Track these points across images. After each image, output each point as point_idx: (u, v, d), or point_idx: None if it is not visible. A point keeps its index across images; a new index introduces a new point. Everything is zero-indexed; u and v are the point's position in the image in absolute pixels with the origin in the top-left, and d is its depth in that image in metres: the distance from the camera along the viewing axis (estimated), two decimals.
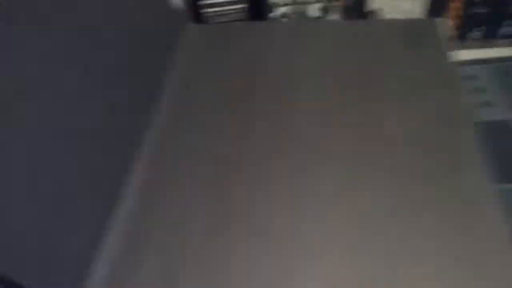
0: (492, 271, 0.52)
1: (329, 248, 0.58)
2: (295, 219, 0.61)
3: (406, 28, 0.59)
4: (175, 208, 0.65)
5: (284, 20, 1.16)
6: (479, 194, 0.58)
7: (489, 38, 1.25)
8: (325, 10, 1.22)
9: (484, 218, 0.57)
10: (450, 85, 0.58)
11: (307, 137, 0.68)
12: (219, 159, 0.69)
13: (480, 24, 1.24)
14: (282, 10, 1.17)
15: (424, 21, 0.54)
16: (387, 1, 1.23)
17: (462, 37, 1.26)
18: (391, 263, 0.54)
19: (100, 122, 0.65)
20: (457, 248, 0.54)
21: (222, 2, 1.00)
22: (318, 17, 1.22)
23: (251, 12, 1.11)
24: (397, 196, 0.60)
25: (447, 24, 0.61)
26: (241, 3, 1.03)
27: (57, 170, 0.57)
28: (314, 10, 1.21)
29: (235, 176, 0.66)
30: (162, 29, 0.81)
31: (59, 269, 0.53)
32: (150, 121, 0.75)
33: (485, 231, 0.55)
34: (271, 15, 1.13)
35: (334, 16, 1.26)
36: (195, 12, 1.05)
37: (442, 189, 0.59)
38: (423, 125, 0.64)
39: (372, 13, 1.24)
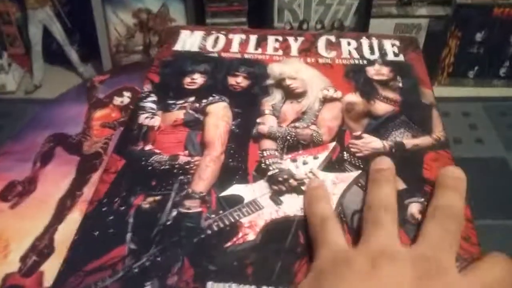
0: None
1: None
2: None
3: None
4: None
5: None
6: None
7: (484, 77, 1.26)
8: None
9: None
10: None
11: None
12: None
13: (476, 63, 1.25)
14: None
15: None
16: None
17: (458, 75, 1.26)
18: None
19: None
20: None
21: (226, 23, 1.01)
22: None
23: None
24: None
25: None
26: (244, 25, 1.04)
27: None
28: None
29: None
30: None
31: None
32: None
33: None
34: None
35: None
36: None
37: None
38: None
39: None
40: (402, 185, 0.46)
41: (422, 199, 0.45)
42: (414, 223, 0.43)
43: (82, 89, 0.72)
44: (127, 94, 0.67)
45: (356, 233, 0.42)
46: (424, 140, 0.52)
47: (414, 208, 0.44)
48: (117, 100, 0.66)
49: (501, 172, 0.91)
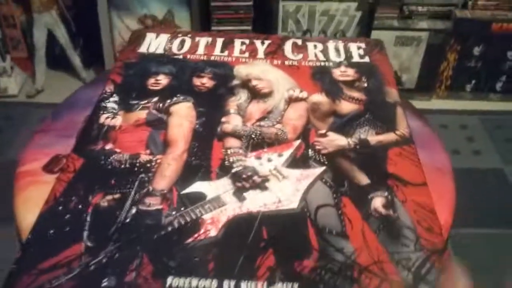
0: None
1: None
2: None
3: None
4: None
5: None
6: None
7: (481, 91, 1.29)
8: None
9: None
10: None
11: None
12: None
13: (474, 77, 1.28)
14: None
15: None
16: (387, 47, 1.26)
17: (455, 88, 1.29)
18: None
19: None
20: None
21: (231, 31, 1.02)
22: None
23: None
24: None
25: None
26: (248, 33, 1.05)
27: None
28: None
29: None
30: None
31: None
32: None
33: None
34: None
35: None
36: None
37: None
38: None
39: None
40: (366, 180, 0.46)
41: (386, 193, 0.45)
42: (377, 217, 0.42)
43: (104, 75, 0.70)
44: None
45: (319, 228, 0.41)
46: (388, 137, 0.52)
47: (377, 202, 0.44)
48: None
49: (498, 183, 0.93)
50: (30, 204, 0.50)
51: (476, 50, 1.22)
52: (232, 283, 0.36)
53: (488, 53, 1.23)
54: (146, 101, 0.57)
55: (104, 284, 0.36)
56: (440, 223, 0.42)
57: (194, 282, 0.36)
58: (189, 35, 0.70)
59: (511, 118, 1.18)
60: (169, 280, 0.36)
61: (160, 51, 0.67)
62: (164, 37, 0.70)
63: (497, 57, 1.25)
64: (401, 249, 0.39)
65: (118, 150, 0.49)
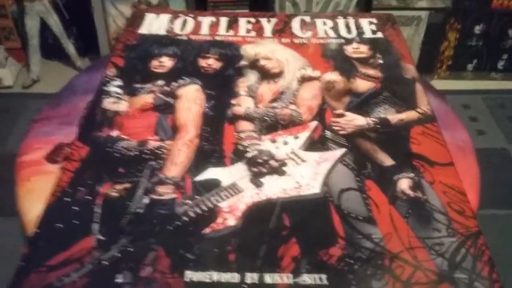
0: None
1: None
2: None
3: None
4: None
5: None
6: None
7: (483, 70, 1.27)
8: None
9: None
10: None
11: None
12: None
13: (475, 56, 1.26)
14: None
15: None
16: None
17: (457, 68, 1.28)
18: None
19: None
20: None
21: None
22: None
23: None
24: None
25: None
26: None
27: None
28: None
29: None
30: None
31: None
32: None
33: None
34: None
35: None
36: None
37: None
38: None
39: None
40: (390, 161, 0.44)
41: (412, 174, 0.42)
42: (405, 199, 0.40)
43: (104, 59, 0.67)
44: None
45: (343, 213, 0.39)
46: (409, 115, 0.50)
47: (403, 184, 0.41)
48: None
49: (503, 162, 0.91)
50: (34, 195, 0.47)
51: (477, 29, 1.20)
52: (256, 276, 0.34)
53: (489, 31, 1.21)
54: (151, 85, 0.53)
55: (119, 280, 0.34)
56: (471, 205, 0.40)
57: (215, 276, 0.34)
58: (191, 15, 0.67)
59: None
60: (188, 274, 0.34)
61: (162, 32, 0.63)
62: (165, 17, 0.66)
63: (498, 35, 1.23)
64: (433, 234, 0.37)
65: (125, 137, 0.47)
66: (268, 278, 0.34)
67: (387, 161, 0.44)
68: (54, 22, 1.09)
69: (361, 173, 0.43)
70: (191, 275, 0.34)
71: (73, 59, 1.12)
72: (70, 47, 1.12)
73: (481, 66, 1.27)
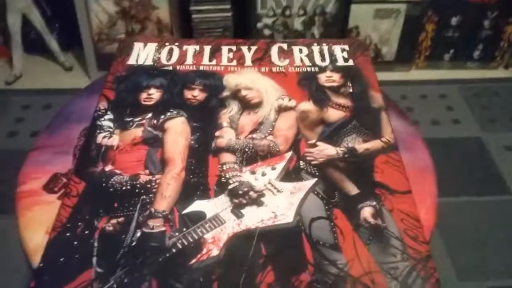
0: None
1: None
2: None
3: None
4: None
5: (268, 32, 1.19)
6: None
7: (459, 60, 1.33)
8: (308, 23, 1.25)
9: None
10: None
11: None
12: None
13: (452, 46, 1.32)
14: (268, 21, 1.19)
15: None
16: (367, 20, 1.27)
17: (434, 58, 1.33)
18: None
19: None
20: None
21: (210, 9, 1.02)
22: (300, 31, 1.26)
23: (238, 21, 1.12)
24: None
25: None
26: (227, 11, 1.06)
27: None
28: (298, 23, 1.24)
29: None
30: None
31: None
32: None
33: None
34: (258, 25, 1.16)
35: (316, 31, 1.31)
36: (182, 17, 1.05)
37: None
38: None
39: (351, 30, 1.28)
40: (355, 190, 0.49)
41: (374, 203, 0.48)
42: (367, 227, 0.46)
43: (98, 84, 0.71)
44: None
45: (313, 241, 0.44)
46: (374, 144, 0.55)
47: (366, 212, 0.47)
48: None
49: (477, 151, 0.97)
50: (35, 224, 0.52)
51: (454, 20, 1.26)
52: None
53: (465, 22, 1.27)
54: (140, 118, 0.58)
55: None
56: (424, 231, 0.45)
57: None
58: (177, 44, 0.71)
59: (488, 86, 1.22)
60: None
61: (149, 62, 0.68)
62: (151, 47, 0.71)
63: (474, 26, 1.29)
64: (389, 259, 0.42)
65: (118, 171, 0.52)
66: None
67: (352, 190, 0.49)
68: (36, 18, 1.10)
69: (330, 202, 0.48)
70: None
71: (56, 54, 1.13)
72: (52, 43, 1.13)
73: (458, 56, 1.33)
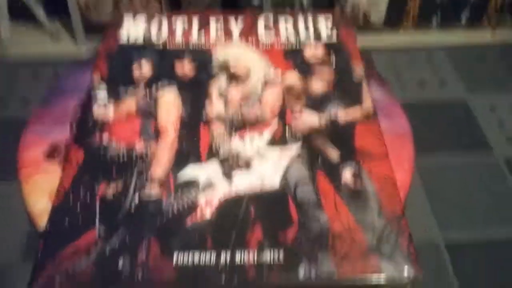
0: None
1: None
2: None
3: None
4: None
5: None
6: None
7: (447, 24, 1.35)
8: None
9: None
10: None
11: None
12: None
13: (439, 10, 1.33)
14: None
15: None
16: None
17: (422, 22, 1.35)
18: None
19: None
20: None
21: None
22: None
23: None
24: None
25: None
26: None
27: None
28: None
29: None
30: None
31: None
32: None
33: None
34: None
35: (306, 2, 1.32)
36: None
37: None
38: None
39: None
40: (337, 156, 0.53)
41: (354, 167, 0.52)
42: (347, 188, 0.50)
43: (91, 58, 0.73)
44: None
45: (298, 202, 0.48)
46: (355, 113, 0.59)
47: (347, 175, 0.51)
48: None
49: (462, 113, 1.01)
50: (38, 190, 0.56)
51: None
52: (228, 254, 0.44)
53: None
54: (133, 90, 0.61)
55: (120, 265, 0.43)
56: (399, 192, 0.50)
57: (196, 256, 0.43)
58: (166, 17, 0.73)
59: (474, 50, 1.25)
60: (175, 256, 0.43)
61: (140, 37, 0.70)
62: (141, 21, 0.72)
63: None
64: (367, 217, 0.47)
65: (114, 141, 0.55)
66: (238, 257, 0.44)
67: (335, 155, 0.53)
68: None
69: (314, 166, 0.52)
70: (177, 257, 0.43)
71: (43, 22, 1.12)
72: (38, 10, 1.12)
73: (445, 20, 1.35)
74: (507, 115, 1.03)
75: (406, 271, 0.43)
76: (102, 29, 0.73)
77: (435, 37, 1.30)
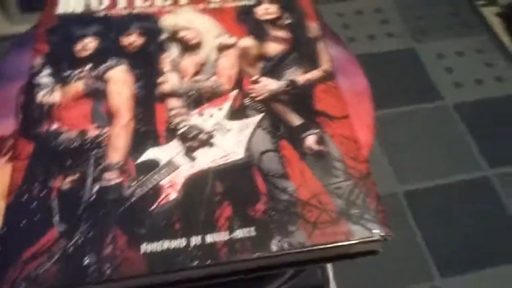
0: None
1: None
2: None
3: None
4: None
5: None
6: None
7: None
8: None
9: None
10: None
11: None
12: None
13: None
14: None
15: None
16: None
17: None
18: None
19: None
20: None
21: None
22: None
23: None
24: None
25: None
26: None
27: None
28: None
29: None
30: None
31: None
32: None
33: None
34: None
35: None
36: None
37: None
38: None
39: None
40: (298, 121, 0.52)
41: (317, 130, 0.51)
42: (311, 154, 0.49)
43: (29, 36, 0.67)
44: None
45: (264, 173, 0.47)
46: (313, 74, 0.57)
47: (310, 140, 0.50)
48: None
49: (411, 62, 1.02)
50: None
51: None
52: (199, 238, 0.43)
53: None
54: (79, 70, 0.57)
55: (86, 262, 0.41)
56: (363, 152, 0.49)
57: (166, 244, 0.42)
58: None
59: None
60: (143, 246, 0.42)
61: (80, 9, 0.65)
62: None
63: None
64: (334, 180, 0.47)
65: (65, 129, 0.51)
66: (209, 238, 0.43)
67: (296, 121, 0.52)
68: None
69: (276, 134, 0.51)
70: (146, 246, 0.42)
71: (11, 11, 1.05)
72: None
73: None
74: (454, 61, 1.05)
75: (377, 232, 0.43)
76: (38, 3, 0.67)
77: None
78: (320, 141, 0.50)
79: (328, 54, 0.60)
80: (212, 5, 0.66)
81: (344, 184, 0.46)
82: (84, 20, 0.63)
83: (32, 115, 0.53)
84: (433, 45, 1.09)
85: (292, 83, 0.56)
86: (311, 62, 0.58)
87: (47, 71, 0.57)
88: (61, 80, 0.56)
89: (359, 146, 0.50)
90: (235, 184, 0.47)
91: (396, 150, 0.93)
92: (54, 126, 0.52)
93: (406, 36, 1.13)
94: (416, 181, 0.86)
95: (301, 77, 0.57)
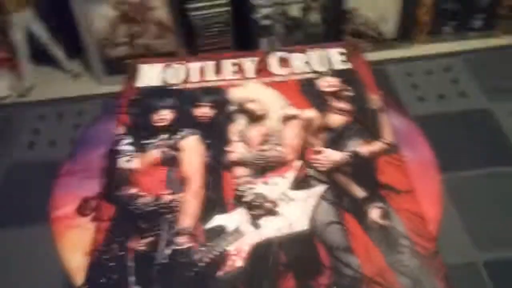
0: None
1: None
2: None
3: None
4: None
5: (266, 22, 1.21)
6: None
7: (461, 31, 1.34)
8: (306, 9, 1.27)
9: None
10: None
11: None
12: None
13: (452, 18, 1.33)
14: (265, 11, 1.21)
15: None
16: (364, 0, 1.28)
17: (435, 32, 1.34)
18: None
19: None
20: None
21: (206, 6, 1.06)
22: (298, 17, 1.28)
23: (235, 14, 1.15)
24: None
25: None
26: (225, 6, 1.09)
27: None
28: (295, 10, 1.26)
29: None
30: None
31: None
32: None
33: None
34: (255, 16, 1.18)
35: (314, 16, 1.32)
36: (181, 16, 1.09)
37: None
38: None
39: (349, 12, 1.30)
40: (362, 193, 0.53)
41: (381, 204, 0.52)
42: (376, 228, 0.50)
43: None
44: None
45: (328, 246, 0.48)
46: (376, 146, 0.59)
47: (374, 213, 0.51)
48: None
49: (486, 123, 0.98)
50: (71, 246, 0.57)
51: None
52: None
53: None
54: (156, 140, 0.62)
55: None
56: (430, 228, 0.49)
57: None
58: (181, 62, 0.75)
59: (492, 55, 1.22)
60: None
61: (157, 82, 0.72)
62: (157, 67, 0.74)
63: None
64: (399, 257, 0.47)
65: (142, 193, 0.56)
66: None
67: (360, 193, 0.53)
68: (40, 30, 1.14)
69: (340, 206, 0.52)
70: None
71: (63, 63, 1.17)
72: (58, 53, 1.17)
73: (459, 27, 1.34)
74: None
75: None
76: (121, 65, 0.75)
77: (450, 46, 1.29)
78: (385, 215, 0.51)
79: (390, 125, 0.61)
80: (277, 78, 0.70)
81: (411, 262, 0.46)
82: (162, 93, 0.69)
83: (114, 179, 0.58)
84: (510, 105, 1.05)
85: (355, 154, 0.58)
86: (373, 133, 0.60)
87: (128, 139, 0.63)
88: (140, 148, 0.62)
89: (425, 222, 0.50)
90: (298, 255, 0.48)
91: (474, 215, 0.88)
92: (133, 190, 0.56)
93: (479, 95, 1.10)
94: (498, 248, 0.80)
95: (364, 148, 0.58)
